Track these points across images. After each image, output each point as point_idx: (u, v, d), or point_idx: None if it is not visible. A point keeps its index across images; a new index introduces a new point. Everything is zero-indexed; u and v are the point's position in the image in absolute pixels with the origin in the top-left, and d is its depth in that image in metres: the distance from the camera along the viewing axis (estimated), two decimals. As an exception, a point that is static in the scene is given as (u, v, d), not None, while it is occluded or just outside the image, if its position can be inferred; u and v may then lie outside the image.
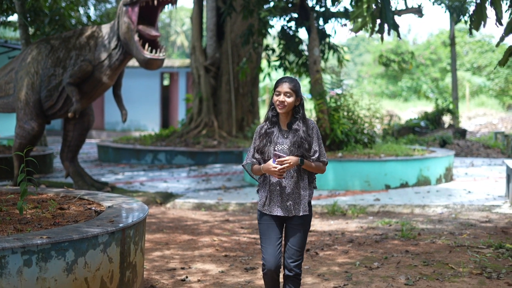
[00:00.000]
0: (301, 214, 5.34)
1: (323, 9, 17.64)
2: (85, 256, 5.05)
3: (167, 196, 13.45)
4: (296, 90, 5.33)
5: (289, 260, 5.43)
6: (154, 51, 11.97)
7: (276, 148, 5.33)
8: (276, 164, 5.16)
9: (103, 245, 5.24)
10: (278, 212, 5.37)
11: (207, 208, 12.50)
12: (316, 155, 5.38)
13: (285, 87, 5.31)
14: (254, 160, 5.45)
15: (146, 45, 11.94)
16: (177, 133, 22.58)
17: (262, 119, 30.41)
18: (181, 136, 22.09)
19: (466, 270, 7.59)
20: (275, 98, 5.36)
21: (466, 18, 11.90)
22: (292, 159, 5.19)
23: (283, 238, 5.50)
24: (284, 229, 5.49)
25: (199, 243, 9.30)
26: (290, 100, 5.30)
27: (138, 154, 20.09)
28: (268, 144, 5.36)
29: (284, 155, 5.18)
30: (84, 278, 5.04)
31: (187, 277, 7.38)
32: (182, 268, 7.80)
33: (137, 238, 5.87)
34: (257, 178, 5.56)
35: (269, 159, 5.30)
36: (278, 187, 5.37)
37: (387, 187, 14.48)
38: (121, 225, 5.50)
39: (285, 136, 5.37)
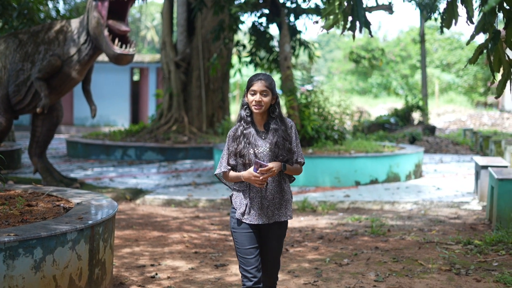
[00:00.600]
0: (283, 219, 5.04)
1: (294, 5, 17.65)
2: (54, 254, 4.99)
3: (137, 192, 13.37)
4: (272, 88, 4.96)
5: (267, 271, 5.11)
6: (124, 46, 11.88)
7: (256, 151, 4.92)
8: (259, 173, 4.79)
9: (72, 243, 5.18)
10: (259, 220, 4.98)
11: (177, 204, 12.45)
12: (295, 156, 5.05)
13: (260, 85, 4.92)
14: (229, 167, 5.02)
15: (116, 40, 11.85)
16: (147, 129, 22.46)
17: (233, 115, 30.40)
18: (151, 132, 21.98)
19: (435, 267, 7.64)
20: (250, 98, 4.95)
21: (437, 15, 11.97)
22: (275, 166, 4.84)
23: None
24: (261, 234, 5.08)
25: (169, 239, 9.25)
26: (266, 99, 4.92)
27: (108, 149, 19.96)
28: (248, 145, 4.94)
29: (266, 164, 4.79)
30: (53, 275, 4.98)
31: (156, 274, 7.33)
32: (152, 265, 7.75)
33: (106, 235, 5.82)
34: (233, 185, 5.12)
35: (249, 163, 4.94)
36: (260, 194, 4.96)
37: (357, 183, 14.53)
38: (90, 222, 5.45)
39: (263, 138, 4.98)
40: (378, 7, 16.41)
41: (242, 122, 5.05)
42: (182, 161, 19.22)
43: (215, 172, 5.07)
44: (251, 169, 4.85)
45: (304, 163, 5.13)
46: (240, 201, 5.04)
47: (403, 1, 16.28)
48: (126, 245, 8.82)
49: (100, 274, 5.65)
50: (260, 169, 4.77)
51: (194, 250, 8.61)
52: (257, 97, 4.91)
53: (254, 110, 4.95)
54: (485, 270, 7.46)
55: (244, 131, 5.01)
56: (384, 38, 64.39)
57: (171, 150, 19.80)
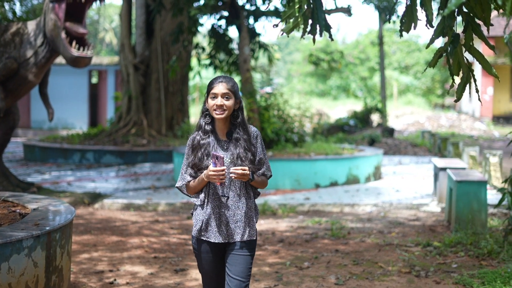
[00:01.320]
0: (246, 239, 4.53)
1: (253, 7, 17.64)
2: (9, 261, 4.89)
3: (95, 197, 13.21)
4: (234, 91, 4.53)
5: None
6: (81, 48, 11.74)
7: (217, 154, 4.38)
8: (218, 167, 4.31)
9: (28, 250, 5.08)
10: (218, 238, 4.52)
11: (136, 208, 12.34)
12: (263, 168, 4.63)
13: (222, 88, 4.49)
14: (190, 178, 4.58)
15: (73, 43, 11.69)
16: (105, 132, 22.25)
17: (192, 117, 30.27)
18: (110, 135, 21.78)
19: (395, 269, 7.67)
20: (211, 102, 4.51)
21: (395, 18, 12.05)
22: (247, 169, 4.40)
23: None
24: (225, 257, 4.61)
25: (128, 244, 9.15)
26: (229, 103, 4.49)
27: (66, 153, 19.71)
28: (205, 158, 4.50)
29: (222, 156, 4.33)
30: (8, 283, 4.88)
31: (115, 279, 7.25)
32: (111, 271, 7.66)
33: (64, 241, 5.72)
34: (197, 198, 4.62)
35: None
36: (220, 208, 4.51)
37: (317, 186, 14.55)
38: (47, 228, 5.35)
39: (225, 148, 4.55)
40: (337, 9, 16.48)
41: (200, 131, 4.60)
42: (141, 164, 19.06)
43: (176, 185, 4.65)
44: (210, 166, 4.38)
45: (271, 176, 4.71)
46: (198, 216, 4.61)
47: (362, 3, 16.40)
48: (84, 251, 8.70)
49: (57, 281, 5.55)
50: (233, 169, 4.32)
51: (154, 255, 8.53)
52: (219, 100, 4.48)
53: (216, 116, 4.50)
54: (445, 272, 7.51)
55: (201, 141, 4.57)
56: (343, 40, 64.79)
57: (130, 153, 19.63)
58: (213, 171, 4.34)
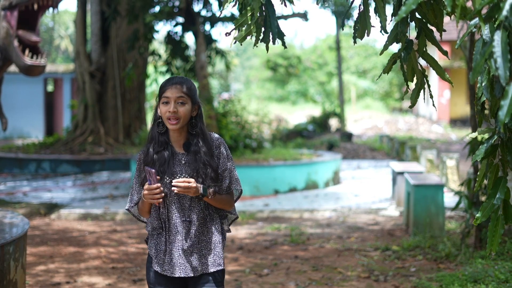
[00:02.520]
0: (211, 270, 3.87)
1: (209, 13, 17.60)
2: (-41, 277, 4.76)
3: (52, 207, 13.01)
4: (191, 95, 3.85)
5: None
6: (34, 57, 11.56)
7: (173, 181, 3.72)
8: (153, 183, 3.69)
9: (-21, 264, 4.95)
10: (179, 271, 3.85)
11: (94, 218, 12.17)
12: (226, 182, 3.90)
13: (175, 91, 3.80)
14: (138, 199, 3.97)
15: (27, 51, 11.50)
16: (62, 141, 21.97)
17: (150, 125, 29.95)
18: (66, 144, 21.51)
19: (354, 274, 7.67)
20: (163, 108, 3.82)
21: (352, 23, 12.12)
22: (193, 181, 3.72)
23: None
24: None
25: (86, 255, 9.02)
26: (184, 109, 3.80)
27: (21, 163, 19.41)
28: (161, 175, 3.82)
29: (153, 170, 3.69)
30: (-42, 300, 4.75)
31: (72, 292, 7.13)
32: (68, 282, 7.53)
33: (18, 254, 5.60)
34: (149, 224, 3.98)
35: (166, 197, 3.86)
36: (181, 235, 3.84)
37: (276, 192, 14.54)
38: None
39: (183, 162, 3.87)
40: (293, 15, 16.55)
41: (154, 143, 3.90)
42: (98, 173, 18.86)
43: (126, 207, 4.02)
44: (146, 184, 3.76)
45: (241, 191, 4.00)
46: (154, 246, 3.94)
47: (319, 8, 16.46)
48: (41, 262, 8.55)
49: (10, 295, 5.43)
50: (175, 182, 3.68)
51: (112, 265, 8.41)
52: (172, 106, 3.78)
53: (169, 126, 3.82)
54: (403, 275, 7.54)
55: (155, 155, 3.87)
56: (301, 45, 65.09)
57: (87, 162, 19.42)
58: (146, 189, 3.70)
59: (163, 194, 3.73)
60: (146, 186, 3.72)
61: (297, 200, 13.52)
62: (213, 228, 3.91)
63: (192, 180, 3.73)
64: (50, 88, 33.97)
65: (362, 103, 46.82)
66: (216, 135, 3.98)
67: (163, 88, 3.88)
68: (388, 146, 25.09)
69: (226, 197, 3.92)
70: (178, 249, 3.85)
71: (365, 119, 39.88)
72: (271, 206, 12.82)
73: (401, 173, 11.93)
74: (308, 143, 24.91)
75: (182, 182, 3.68)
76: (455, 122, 34.90)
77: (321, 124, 30.09)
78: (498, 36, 2.59)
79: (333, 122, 31.41)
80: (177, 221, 3.87)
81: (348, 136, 28.19)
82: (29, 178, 17.88)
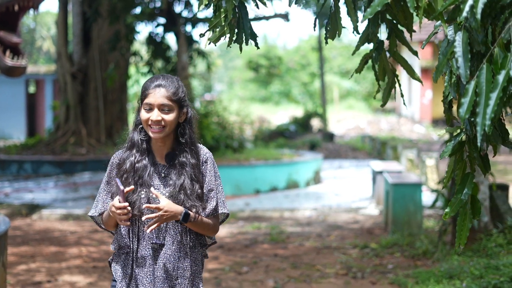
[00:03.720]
0: None
1: (190, 14, 17.67)
2: None
3: (33, 207, 13.02)
4: (179, 100, 3.33)
5: None
6: (16, 58, 11.57)
7: (150, 196, 3.29)
8: (120, 202, 3.20)
9: (-40, 262, 5.01)
10: None
11: (75, 218, 12.20)
12: (212, 204, 3.37)
13: (159, 95, 3.28)
14: (103, 209, 3.43)
15: (7, 52, 11.51)
16: (44, 142, 21.94)
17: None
18: (48, 145, 21.49)
19: (333, 271, 7.78)
20: (145, 115, 3.31)
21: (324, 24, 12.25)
22: (167, 207, 3.19)
23: None
24: None
25: (67, 254, 9.06)
26: (170, 117, 3.29)
27: (3, 164, 19.37)
28: (139, 187, 3.31)
29: (123, 188, 3.21)
30: None
31: (53, 290, 7.18)
32: (49, 281, 7.58)
33: (-2, 253, 5.65)
34: (115, 244, 3.45)
35: (140, 214, 3.29)
36: (148, 260, 3.31)
37: (257, 191, 14.63)
38: (-21, 240, 5.28)
39: (163, 175, 3.35)
40: (275, 15, 16.67)
41: (135, 150, 3.38)
42: (80, 173, 18.87)
43: (89, 214, 3.48)
44: (116, 199, 3.23)
45: (227, 215, 3.46)
46: (120, 268, 3.39)
47: (295, 7, 16.60)
48: (22, 262, 8.58)
49: (-9, 293, 5.48)
50: (145, 218, 3.20)
51: (93, 264, 8.46)
52: (155, 114, 3.27)
53: (151, 134, 3.31)
54: (381, 272, 7.65)
55: (137, 164, 3.35)
56: (284, 46, 65.19)
57: (69, 163, 19.42)
58: (117, 207, 3.18)
59: (130, 215, 3.21)
60: (114, 202, 3.21)
61: (278, 200, 13.61)
62: (193, 255, 3.38)
63: (163, 204, 3.19)
64: (32, 89, 33.89)
65: (345, 103, 46.99)
66: (205, 149, 3.46)
67: (145, 91, 3.33)
68: (370, 146, 25.24)
69: (211, 221, 3.37)
70: (148, 275, 3.30)
71: (347, 119, 40.05)
72: (252, 205, 12.91)
73: (381, 173, 12.06)
74: (290, 144, 25.02)
75: (154, 207, 3.18)
76: (437, 122, 35.10)
77: (303, 124, 30.23)
78: (459, 37, 2.69)
79: (315, 123, 31.54)
80: (148, 242, 3.32)
81: (330, 137, 28.34)
82: (11, 179, 17.86)
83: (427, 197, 11.86)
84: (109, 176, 3.44)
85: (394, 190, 9.70)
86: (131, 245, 3.36)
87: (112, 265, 3.45)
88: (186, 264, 3.34)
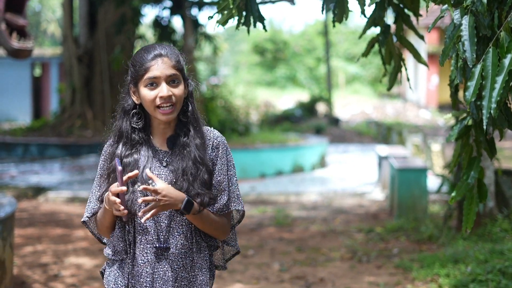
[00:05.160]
0: None
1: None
2: None
3: (40, 190, 13.08)
4: (183, 70, 2.83)
5: None
6: (22, 40, 11.59)
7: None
8: (116, 189, 2.65)
9: (-32, 243, 5.05)
10: None
11: (82, 200, 12.24)
12: (223, 199, 2.81)
13: (164, 67, 2.74)
14: (97, 208, 2.91)
15: (14, 34, 11.53)
16: (49, 125, 21.99)
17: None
18: (54, 128, 21.53)
19: (338, 255, 7.81)
20: (149, 94, 2.74)
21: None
22: (165, 191, 2.64)
23: None
24: None
25: (73, 236, 9.11)
26: (180, 91, 2.77)
27: (8, 147, 19.43)
28: (129, 184, 2.75)
29: (120, 167, 2.67)
30: None
31: (60, 271, 7.22)
32: (55, 263, 7.63)
33: (6, 234, 5.69)
34: (109, 249, 2.90)
35: (134, 213, 2.75)
36: (147, 266, 2.79)
37: (263, 175, 14.65)
38: (-13, 221, 5.32)
39: (164, 164, 2.81)
40: (281, -1, 16.68)
41: (123, 142, 2.84)
42: (86, 156, 18.91)
43: (82, 219, 2.97)
44: (114, 184, 2.71)
45: (243, 212, 2.90)
46: (114, 278, 2.88)
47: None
48: (28, 244, 8.63)
49: (-1, 274, 5.53)
50: (143, 188, 2.66)
51: (98, 246, 8.50)
52: (165, 89, 2.72)
53: (162, 117, 2.75)
54: (386, 256, 7.68)
55: (125, 159, 2.81)
56: (290, 30, 65.02)
57: (75, 145, 19.46)
58: (113, 192, 2.66)
59: (122, 207, 2.68)
60: (111, 187, 2.70)
61: (283, 184, 13.64)
62: (200, 261, 2.84)
63: (161, 186, 2.64)
64: (37, 72, 33.91)
65: (350, 88, 46.90)
66: (216, 132, 2.91)
67: (143, 64, 2.77)
68: (375, 131, 25.22)
69: (220, 220, 2.81)
70: (145, 284, 2.80)
71: (353, 104, 40.00)
72: (257, 189, 12.94)
73: (386, 158, 12.07)
74: (295, 128, 25.01)
75: (151, 189, 2.64)
76: (443, 108, 34.97)
77: (309, 109, 30.20)
78: (465, 21, 2.70)
79: (321, 107, 31.51)
80: (147, 246, 2.78)
81: (335, 121, 28.32)
82: (17, 162, 17.92)
83: (432, 182, 11.85)
84: (103, 169, 2.89)
85: (400, 175, 9.71)
86: (128, 249, 2.82)
87: (104, 276, 2.92)
88: (193, 274, 2.81)
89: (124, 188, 2.65)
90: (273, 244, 8.47)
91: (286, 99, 41.71)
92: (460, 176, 7.83)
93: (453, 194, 3.45)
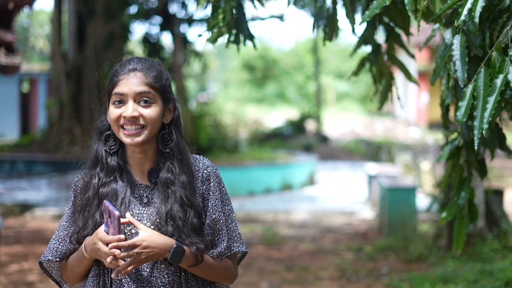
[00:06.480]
0: None
1: (186, 15, 17.67)
2: None
3: (26, 207, 12.96)
4: (163, 88, 2.38)
5: None
6: (10, 55, 11.53)
7: (131, 231, 2.33)
8: (111, 237, 2.23)
9: (-49, 262, 4.96)
10: None
11: (69, 218, 12.13)
12: (224, 242, 2.40)
13: (134, 82, 2.34)
14: (66, 250, 2.48)
15: (2, 50, 11.47)
16: (37, 141, 21.88)
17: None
18: (42, 144, 21.41)
19: (327, 274, 7.75)
20: (115, 112, 2.35)
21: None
22: (148, 240, 2.25)
23: None
24: None
25: (41, 257, 8.99)
26: (151, 112, 2.34)
27: (-4, 163, 19.31)
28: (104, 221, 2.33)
29: (117, 212, 2.22)
30: None
31: (45, 291, 7.14)
32: (41, 281, 7.53)
33: (-11, 253, 5.61)
34: None
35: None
36: None
37: (252, 193, 14.59)
38: (-30, 240, 5.24)
39: (146, 200, 2.39)
40: (270, 16, 16.74)
41: (99, 168, 2.42)
42: (74, 173, 18.77)
43: (41, 259, 2.56)
44: (100, 228, 2.29)
45: (245, 253, 2.50)
46: None
47: (299, 9, 16.63)
48: (14, 261, 8.53)
49: (-18, 294, 5.43)
50: (109, 260, 2.24)
51: (85, 265, 8.41)
52: (130, 108, 2.33)
53: (125, 139, 2.35)
54: (375, 276, 7.63)
55: (102, 189, 2.39)
56: (280, 48, 65.20)
57: (63, 162, 19.33)
58: (106, 241, 2.24)
59: (122, 262, 2.25)
60: (101, 235, 2.26)
61: (272, 202, 13.59)
62: None
63: (142, 236, 2.25)
64: (25, 87, 33.80)
65: (340, 105, 47.02)
66: (205, 161, 2.51)
67: (113, 78, 2.39)
68: (365, 149, 25.22)
69: (223, 264, 2.41)
70: None
71: (342, 121, 40.03)
72: (246, 207, 12.87)
73: (376, 176, 12.04)
74: (284, 145, 24.99)
75: (126, 244, 2.23)
76: (433, 126, 34.97)
77: (298, 126, 30.21)
78: (457, 40, 2.67)
79: (310, 125, 31.53)
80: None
81: (324, 139, 28.35)
82: (3, 178, 17.79)
83: (422, 201, 11.83)
84: (74, 205, 2.46)
85: (389, 194, 9.68)
86: None
87: None
88: None
89: (123, 237, 2.23)
90: (262, 263, 8.40)
91: (276, 116, 41.74)
92: (450, 196, 7.80)
93: (443, 214, 3.41)
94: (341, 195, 14.54)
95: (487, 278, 6.46)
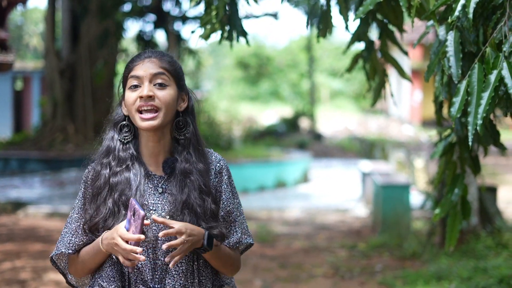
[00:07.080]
0: None
1: (180, 13, 17.65)
2: None
3: (19, 204, 12.92)
4: (177, 73, 2.44)
5: None
6: (3, 53, 11.52)
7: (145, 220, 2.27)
8: (132, 236, 2.23)
9: None
10: None
11: (62, 215, 12.11)
12: (237, 234, 2.46)
13: (150, 66, 2.38)
14: (80, 242, 2.46)
15: (-5, 47, 11.47)
16: (30, 139, 21.83)
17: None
18: (35, 142, 21.36)
19: (321, 271, 7.75)
20: (131, 96, 2.38)
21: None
22: (188, 230, 2.27)
23: None
24: None
25: (52, 252, 8.98)
26: (166, 94, 2.37)
27: (-11, 161, 19.26)
28: (118, 211, 2.37)
29: (142, 211, 2.21)
30: None
31: (38, 288, 7.12)
32: (34, 279, 7.51)
33: (-18, 251, 5.59)
34: (95, 283, 2.45)
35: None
36: None
37: (246, 190, 14.58)
38: (-37, 238, 5.22)
39: (159, 190, 2.39)
40: (264, 14, 16.74)
41: (111, 158, 2.44)
42: (67, 170, 18.75)
43: (52, 254, 2.54)
44: (121, 224, 2.29)
45: (251, 245, 2.57)
46: None
47: (292, 7, 16.64)
48: (7, 259, 8.50)
49: (-25, 292, 5.42)
50: (163, 234, 2.29)
51: (78, 262, 8.39)
52: (145, 89, 2.35)
53: (141, 123, 2.37)
54: (369, 273, 7.63)
55: (113, 179, 2.40)
56: (274, 46, 65.19)
57: (56, 160, 19.30)
58: (128, 239, 2.24)
59: (143, 257, 2.26)
60: (123, 233, 2.25)
61: (266, 199, 13.58)
62: None
63: (178, 227, 2.27)
64: (19, 85, 33.72)
65: (334, 103, 47.04)
66: (217, 154, 2.53)
67: (130, 65, 2.44)
68: (359, 147, 25.25)
69: (235, 255, 2.48)
70: None
71: (336, 119, 40.05)
72: (240, 205, 12.86)
73: (369, 174, 12.05)
74: (278, 143, 24.99)
75: (174, 231, 2.27)
76: (427, 124, 35.00)
77: (292, 124, 30.22)
78: (451, 36, 2.66)
79: (304, 123, 31.54)
80: (141, 287, 2.36)
81: (318, 137, 28.36)
82: (-3, 176, 17.75)
83: (415, 198, 11.84)
84: (84, 197, 2.47)
85: (383, 191, 9.69)
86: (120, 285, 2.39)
87: None
88: None
89: (143, 237, 2.22)
90: (256, 261, 8.39)
91: (269, 114, 41.73)
92: (444, 193, 7.82)
93: (436, 211, 3.41)
94: (335, 192, 14.55)
95: (481, 275, 6.46)
